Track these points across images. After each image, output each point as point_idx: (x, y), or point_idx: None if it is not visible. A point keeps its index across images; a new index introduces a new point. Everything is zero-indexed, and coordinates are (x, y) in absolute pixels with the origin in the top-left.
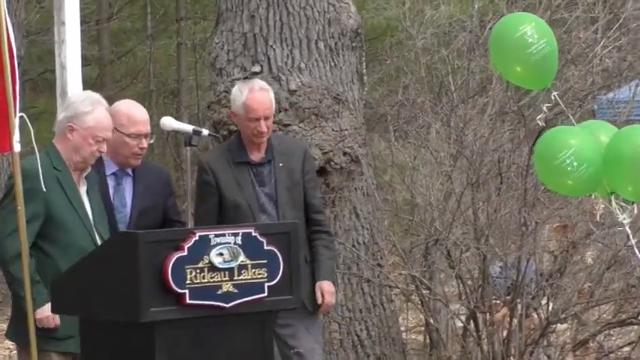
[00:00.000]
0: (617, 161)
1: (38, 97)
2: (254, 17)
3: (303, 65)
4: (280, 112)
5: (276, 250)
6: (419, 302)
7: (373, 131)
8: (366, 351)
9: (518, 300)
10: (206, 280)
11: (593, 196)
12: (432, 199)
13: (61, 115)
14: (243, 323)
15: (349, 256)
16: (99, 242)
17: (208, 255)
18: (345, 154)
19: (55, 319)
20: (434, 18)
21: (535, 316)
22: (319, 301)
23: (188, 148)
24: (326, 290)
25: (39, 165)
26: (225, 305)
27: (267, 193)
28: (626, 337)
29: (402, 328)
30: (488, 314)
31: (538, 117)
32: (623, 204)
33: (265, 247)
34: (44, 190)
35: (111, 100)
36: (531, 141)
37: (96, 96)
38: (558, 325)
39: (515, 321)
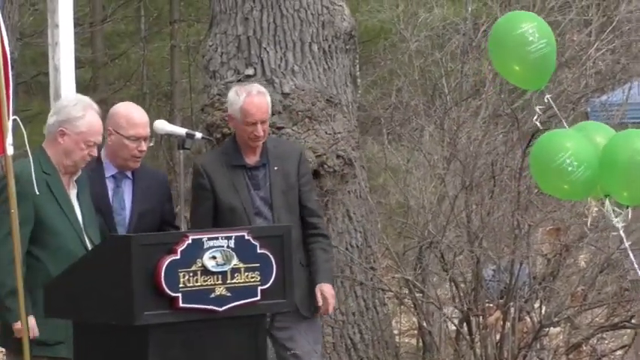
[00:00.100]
0: (613, 166)
1: (31, 100)
2: (248, 20)
3: (296, 68)
4: (274, 114)
5: (269, 254)
6: (412, 305)
7: (367, 134)
8: (359, 354)
9: (512, 303)
10: (199, 284)
11: (588, 200)
12: (425, 202)
13: (52, 119)
14: (236, 327)
15: (342, 259)
16: (89, 246)
17: (201, 258)
18: (338, 156)
19: (34, 331)
20: (427, 21)
21: (528, 319)
22: (320, 303)
23: (181, 151)
24: (327, 293)
25: (32, 168)
26: (218, 309)
27: (262, 197)
28: (618, 340)
29: (395, 332)
30: (481, 317)
31: (535, 118)
32: (616, 208)
33: (258, 251)
34: (37, 192)
35: (104, 103)
36: (525, 144)
37: (87, 100)
38: (551, 328)
39: (508, 324)
